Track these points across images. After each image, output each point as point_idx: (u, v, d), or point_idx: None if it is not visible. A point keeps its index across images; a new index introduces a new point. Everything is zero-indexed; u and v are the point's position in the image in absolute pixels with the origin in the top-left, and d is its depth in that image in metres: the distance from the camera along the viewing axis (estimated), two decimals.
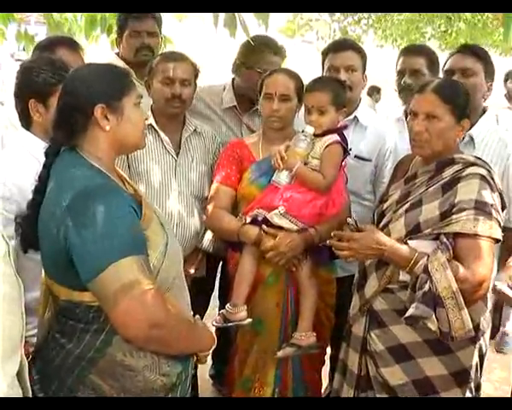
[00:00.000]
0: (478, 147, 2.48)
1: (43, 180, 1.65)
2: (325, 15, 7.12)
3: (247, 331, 2.47)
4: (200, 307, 2.44)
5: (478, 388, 2.19)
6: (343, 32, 7.84)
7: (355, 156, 2.71)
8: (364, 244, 2.03)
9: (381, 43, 10.02)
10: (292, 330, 2.43)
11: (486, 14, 9.08)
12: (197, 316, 1.88)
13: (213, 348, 1.81)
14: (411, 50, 3.00)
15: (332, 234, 2.12)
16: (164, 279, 1.64)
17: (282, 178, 2.37)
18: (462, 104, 2.07)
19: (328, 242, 2.13)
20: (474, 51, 2.54)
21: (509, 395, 2.99)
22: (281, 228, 2.34)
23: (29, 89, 2.04)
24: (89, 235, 1.48)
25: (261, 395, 2.51)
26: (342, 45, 2.80)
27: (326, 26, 7.29)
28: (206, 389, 3.40)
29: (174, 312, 1.60)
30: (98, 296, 1.52)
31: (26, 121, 2.08)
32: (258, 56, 2.84)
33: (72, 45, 2.72)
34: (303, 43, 9.64)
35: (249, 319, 2.36)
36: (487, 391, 3.49)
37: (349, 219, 2.16)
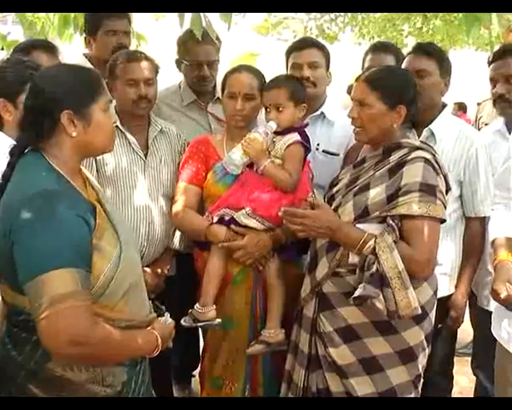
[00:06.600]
0: (439, 141, 2.51)
1: (5, 179, 1.63)
2: (301, 13, 7.07)
3: (216, 330, 2.46)
4: (186, 305, 2.46)
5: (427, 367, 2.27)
6: (319, 29, 7.77)
7: (323, 151, 2.73)
8: (317, 222, 2.09)
9: (359, 41, 10.01)
10: (261, 328, 2.44)
11: None
12: (162, 318, 1.80)
13: (158, 351, 1.70)
14: (379, 48, 3.04)
15: (283, 209, 2.16)
16: (118, 287, 1.61)
17: (235, 158, 2.31)
18: (393, 91, 2.11)
19: (280, 214, 2.17)
20: (426, 51, 2.54)
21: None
22: (248, 227, 2.34)
23: None
24: (33, 237, 1.46)
25: (232, 393, 2.51)
26: (305, 43, 2.81)
27: (300, 24, 7.25)
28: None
29: (101, 330, 1.52)
30: (30, 301, 1.47)
31: None
32: (185, 49, 2.87)
33: (50, 48, 2.69)
34: (278, 41, 9.61)
35: (219, 319, 2.37)
36: (463, 384, 3.54)
37: (309, 198, 2.20)
